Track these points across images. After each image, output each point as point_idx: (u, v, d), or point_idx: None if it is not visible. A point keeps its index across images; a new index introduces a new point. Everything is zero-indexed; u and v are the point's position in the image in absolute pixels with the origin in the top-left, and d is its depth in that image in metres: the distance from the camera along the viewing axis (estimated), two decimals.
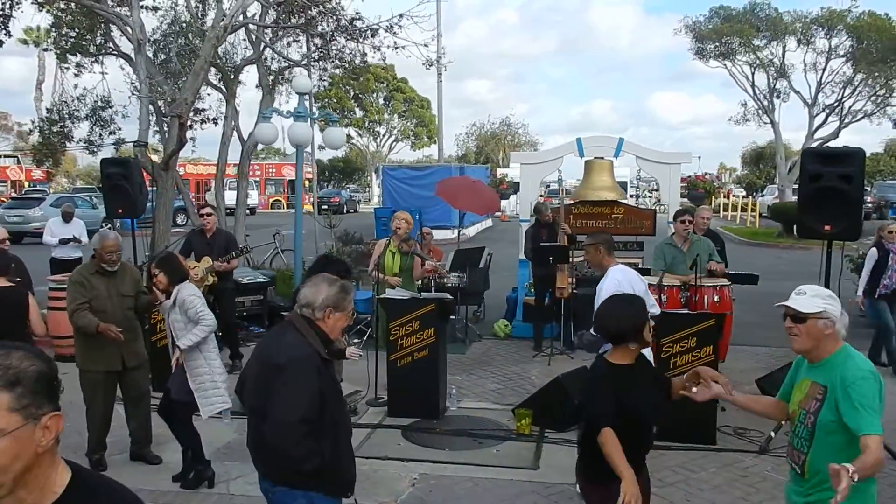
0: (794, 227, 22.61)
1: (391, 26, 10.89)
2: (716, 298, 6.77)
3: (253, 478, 4.85)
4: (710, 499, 4.97)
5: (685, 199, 25.30)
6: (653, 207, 13.42)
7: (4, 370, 1.45)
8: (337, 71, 14.05)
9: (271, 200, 46.29)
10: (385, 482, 5.21)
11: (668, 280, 6.91)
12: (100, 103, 13.32)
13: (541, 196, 11.91)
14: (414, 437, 6.08)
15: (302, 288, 3.22)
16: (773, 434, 5.73)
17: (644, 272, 8.15)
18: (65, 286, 7.69)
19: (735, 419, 6.04)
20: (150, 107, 10.67)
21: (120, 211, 8.58)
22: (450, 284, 9.06)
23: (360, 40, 11.57)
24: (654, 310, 4.99)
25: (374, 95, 46.12)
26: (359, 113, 46.46)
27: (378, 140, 51.51)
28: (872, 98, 25.86)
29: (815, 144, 25.10)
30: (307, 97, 9.61)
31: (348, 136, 43.99)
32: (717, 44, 26.45)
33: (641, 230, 10.02)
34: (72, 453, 5.62)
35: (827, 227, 6.20)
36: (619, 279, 4.94)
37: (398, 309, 6.65)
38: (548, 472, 5.39)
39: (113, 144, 14.03)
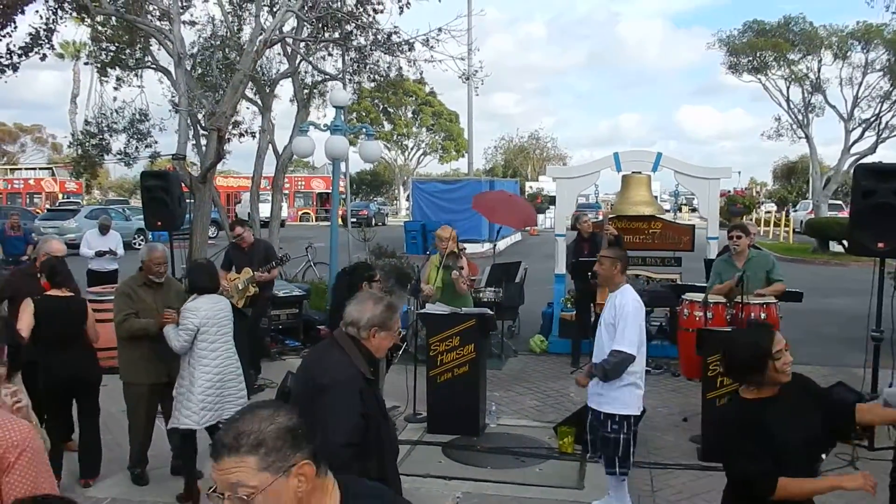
0: (830, 242, 22.29)
1: (428, 40, 10.88)
2: (763, 316, 6.60)
3: None
4: None
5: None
6: (692, 223, 13.26)
7: (247, 436, 1.58)
8: (371, 84, 14.10)
9: (300, 213, 46.66)
10: (427, 500, 5.12)
11: (714, 297, 6.78)
12: (138, 116, 13.48)
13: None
14: (455, 455, 5.99)
15: (348, 305, 3.15)
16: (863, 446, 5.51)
17: (686, 289, 8.05)
18: (103, 298, 7.76)
19: None
20: (188, 120, 10.76)
21: (159, 223, 8.61)
22: (486, 299, 8.98)
23: (397, 54, 11.58)
24: (628, 349, 4.58)
25: (403, 109, 46.40)
26: (387, 126, 46.75)
27: (406, 153, 51.80)
28: None
29: (851, 160, 24.70)
30: (343, 111, 9.63)
31: None
32: (751, 58, 26.15)
33: (679, 246, 9.91)
34: (114, 466, 5.63)
35: (881, 245, 6.03)
36: (637, 298, 4.79)
37: (438, 324, 6.58)
38: (593, 492, 5.27)
39: (149, 157, 14.20)
